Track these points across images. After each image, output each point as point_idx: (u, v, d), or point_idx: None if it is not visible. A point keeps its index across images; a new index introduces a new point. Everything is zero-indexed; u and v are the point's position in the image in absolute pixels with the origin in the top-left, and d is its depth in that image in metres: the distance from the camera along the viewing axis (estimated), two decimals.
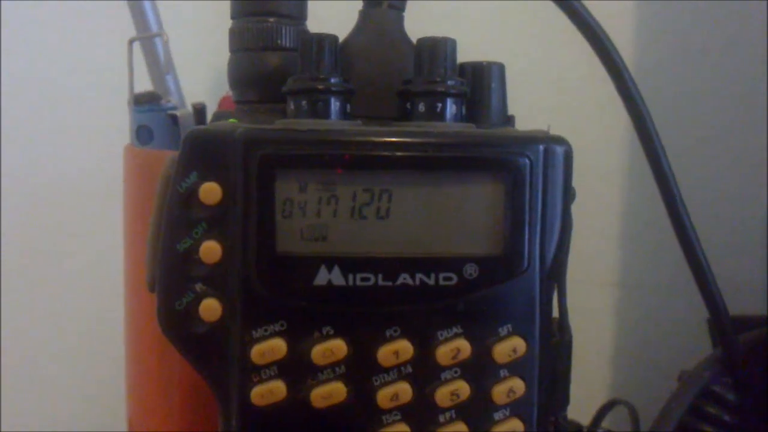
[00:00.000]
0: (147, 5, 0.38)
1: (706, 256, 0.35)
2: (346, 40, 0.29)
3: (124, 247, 0.36)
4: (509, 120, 0.29)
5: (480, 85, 0.28)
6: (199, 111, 0.38)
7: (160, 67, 0.37)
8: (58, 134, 0.54)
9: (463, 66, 0.29)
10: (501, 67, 0.29)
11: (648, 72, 0.57)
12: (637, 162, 0.58)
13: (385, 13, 0.29)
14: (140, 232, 0.31)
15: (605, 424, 0.44)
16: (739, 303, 0.54)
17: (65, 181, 0.55)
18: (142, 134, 0.35)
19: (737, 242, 0.58)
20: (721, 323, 0.35)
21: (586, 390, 0.54)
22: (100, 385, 0.55)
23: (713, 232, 0.58)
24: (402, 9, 0.29)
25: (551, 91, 0.54)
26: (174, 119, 0.34)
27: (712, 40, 0.59)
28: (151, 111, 0.35)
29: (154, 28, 0.37)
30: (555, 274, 0.27)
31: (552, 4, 0.32)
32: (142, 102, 0.36)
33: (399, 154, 0.25)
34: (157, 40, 0.37)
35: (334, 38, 0.27)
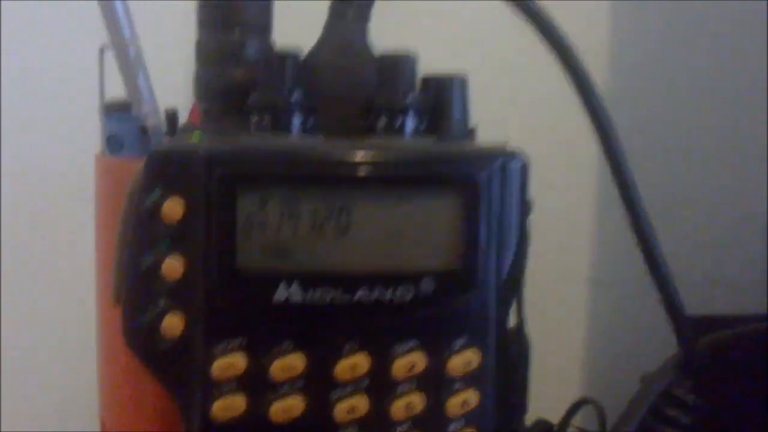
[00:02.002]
0: (120, 10, 0.38)
1: (663, 255, 0.36)
2: (311, 53, 0.29)
3: (96, 256, 0.36)
4: (471, 132, 0.30)
5: (442, 98, 0.29)
6: (171, 116, 0.39)
7: (132, 74, 0.37)
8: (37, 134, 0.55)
9: (426, 79, 0.29)
10: (463, 81, 0.29)
11: (648, 72, 0.58)
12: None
13: (349, 25, 0.29)
14: (110, 242, 0.31)
15: (577, 421, 0.45)
16: (739, 301, 0.55)
17: (53, 182, 0.55)
18: (112, 143, 0.35)
19: (737, 240, 0.59)
20: (679, 325, 0.36)
21: (558, 387, 0.55)
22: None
23: (713, 230, 0.59)
24: (367, 20, 0.30)
25: (519, 95, 0.55)
26: (144, 131, 0.35)
27: (712, 40, 0.59)
28: (121, 120, 0.35)
29: (127, 35, 0.37)
30: (512, 285, 0.28)
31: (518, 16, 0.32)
32: (112, 111, 0.36)
33: (358, 171, 0.25)
34: (130, 48, 0.37)
35: (296, 55, 0.27)
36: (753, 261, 0.58)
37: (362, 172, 0.25)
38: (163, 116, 0.38)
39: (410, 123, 0.27)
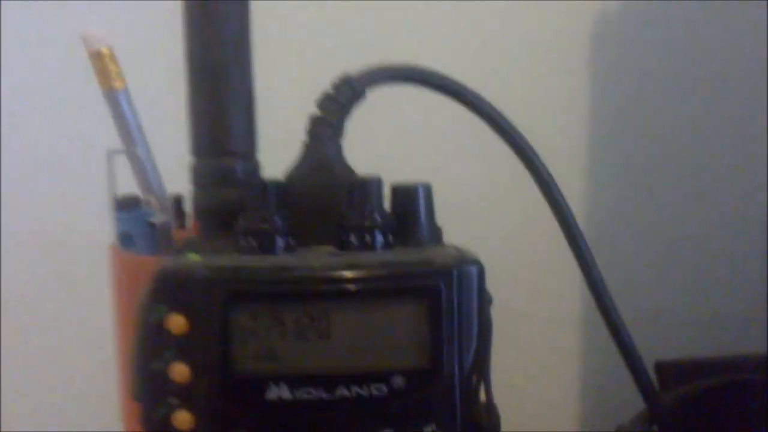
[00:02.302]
0: (128, 114, 0.43)
1: (623, 321, 0.40)
2: (291, 171, 0.34)
3: (116, 334, 0.41)
4: (437, 231, 0.34)
5: (409, 205, 0.33)
6: (177, 202, 0.43)
7: (141, 174, 0.41)
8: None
9: (395, 188, 0.33)
10: (427, 187, 0.34)
11: (648, 74, 0.61)
12: (602, 203, 0.62)
13: (324, 146, 0.33)
14: (127, 331, 0.36)
15: None
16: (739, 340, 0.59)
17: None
18: (124, 240, 0.39)
19: (736, 279, 0.62)
20: (641, 381, 0.39)
21: (551, 426, 0.59)
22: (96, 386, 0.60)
23: (711, 269, 0.62)
24: (339, 137, 0.34)
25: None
26: (153, 226, 0.39)
27: (712, 40, 0.62)
28: (131, 219, 0.40)
29: (137, 137, 0.42)
30: (477, 369, 0.32)
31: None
32: (123, 208, 0.40)
33: (333, 286, 0.30)
34: (140, 150, 0.42)
35: (278, 183, 0.31)
36: (752, 300, 0.61)
37: (337, 286, 0.30)
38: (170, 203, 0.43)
39: (379, 238, 0.31)
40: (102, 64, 0.43)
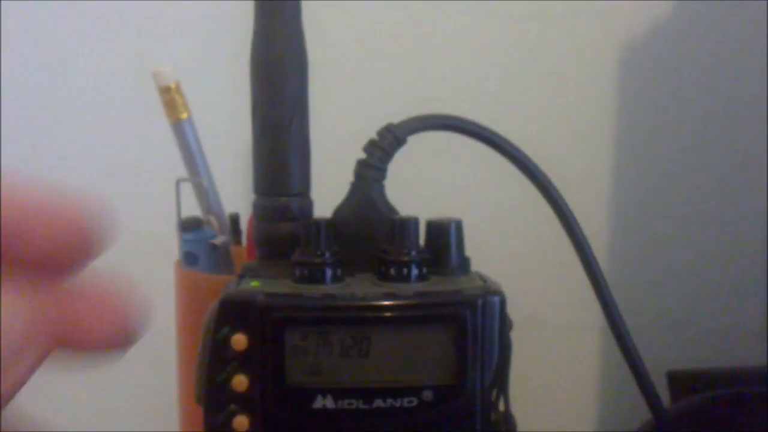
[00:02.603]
0: (194, 144, 0.48)
1: (628, 331, 0.44)
2: (339, 207, 0.38)
3: (178, 341, 0.46)
4: (466, 262, 0.39)
5: (442, 239, 0.38)
6: (234, 221, 0.48)
7: (204, 201, 0.47)
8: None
9: (430, 223, 0.38)
10: (458, 223, 0.38)
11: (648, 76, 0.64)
12: (622, 217, 0.67)
13: (369, 186, 0.38)
14: (188, 340, 0.41)
15: None
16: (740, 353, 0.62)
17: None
18: (188, 259, 0.45)
19: (737, 293, 0.66)
20: (646, 391, 0.44)
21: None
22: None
23: (713, 282, 0.66)
24: (383, 178, 0.39)
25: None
26: (214, 247, 0.44)
27: (738, 68, 0.66)
28: (194, 238, 0.45)
29: (201, 168, 0.47)
30: (497, 384, 0.37)
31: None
32: (187, 229, 0.46)
33: (374, 312, 0.35)
34: (204, 177, 0.47)
35: (328, 221, 0.36)
36: (753, 312, 0.65)
37: (376, 313, 0.35)
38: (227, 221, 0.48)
39: (414, 271, 0.36)
40: (170, 98, 0.49)
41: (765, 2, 0.65)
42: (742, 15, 0.66)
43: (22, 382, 0.20)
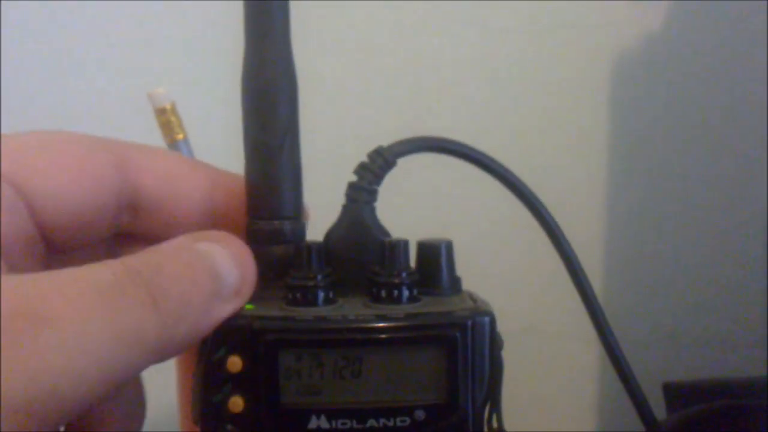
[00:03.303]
0: None
1: (618, 344, 0.45)
2: (331, 229, 0.39)
3: (176, 366, 0.47)
4: (457, 281, 0.39)
5: (433, 260, 0.39)
6: None
7: None
8: None
9: (420, 244, 0.39)
10: (449, 244, 0.39)
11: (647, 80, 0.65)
12: (617, 227, 0.67)
13: (360, 208, 0.39)
14: (187, 360, 0.42)
15: None
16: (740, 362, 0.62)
17: None
18: None
19: (736, 301, 0.66)
20: (638, 403, 0.44)
21: None
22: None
23: (712, 291, 0.66)
24: (374, 200, 0.40)
25: None
26: None
27: (705, 52, 0.67)
28: None
29: None
30: (489, 399, 0.37)
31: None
32: None
33: (365, 334, 0.35)
34: None
35: (319, 244, 0.37)
36: (751, 323, 0.65)
37: (368, 335, 0.35)
38: None
39: (405, 293, 0.36)
40: (165, 119, 0.49)
41: (762, 12, 0.66)
42: (736, 25, 0.67)
43: None
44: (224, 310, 0.34)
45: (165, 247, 0.33)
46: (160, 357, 0.31)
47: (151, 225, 0.37)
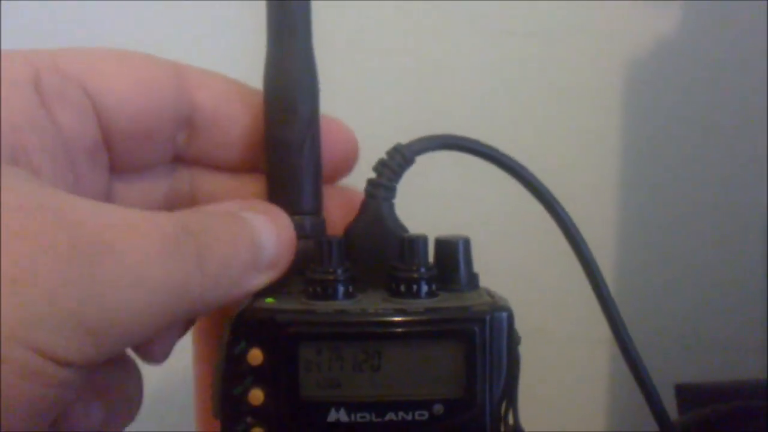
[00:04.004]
0: None
1: (633, 343, 0.45)
2: (350, 226, 0.40)
3: (194, 355, 0.47)
4: (474, 278, 0.40)
5: (450, 256, 0.39)
6: None
7: None
8: None
9: (438, 240, 0.39)
10: (466, 240, 0.39)
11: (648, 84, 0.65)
12: (629, 230, 0.67)
13: (379, 205, 0.40)
14: (205, 352, 0.42)
15: None
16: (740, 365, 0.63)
17: None
18: None
19: (736, 304, 0.66)
20: (653, 403, 0.44)
21: None
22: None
23: (712, 294, 0.66)
24: (392, 197, 0.40)
25: None
26: None
27: (724, 46, 0.67)
28: None
29: None
30: (506, 395, 0.38)
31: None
32: None
33: (384, 327, 0.36)
34: None
35: (339, 239, 0.37)
36: (753, 324, 0.65)
37: (387, 328, 0.36)
38: None
39: (424, 287, 0.37)
40: None
41: None
42: (748, 30, 0.67)
43: None
44: (258, 280, 0.35)
45: (214, 209, 0.35)
46: (193, 314, 0.32)
47: (204, 147, 0.38)
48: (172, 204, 0.39)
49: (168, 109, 0.36)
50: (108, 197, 0.36)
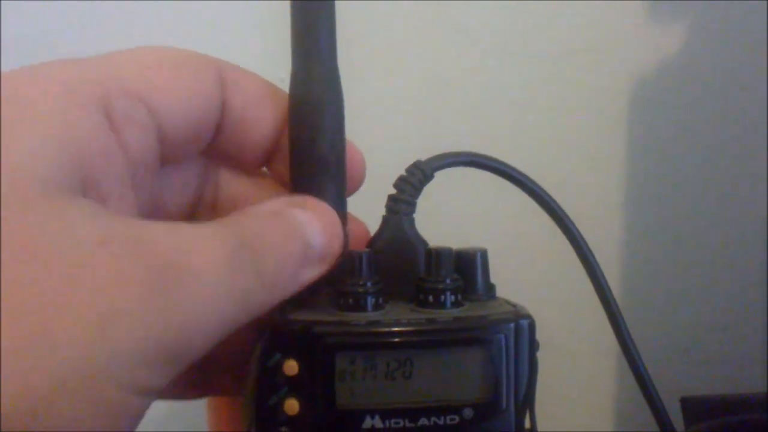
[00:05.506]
0: None
1: (640, 356, 0.47)
2: (373, 240, 0.41)
3: None
4: (491, 288, 0.42)
5: (469, 267, 0.41)
6: None
7: None
8: None
9: (457, 253, 0.41)
10: (484, 252, 0.41)
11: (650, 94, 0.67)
12: (634, 245, 0.70)
13: (401, 219, 0.41)
14: None
15: None
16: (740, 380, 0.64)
17: None
18: None
19: (737, 319, 0.68)
20: (660, 419, 0.46)
21: None
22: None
23: (713, 309, 0.68)
24: (412, 212, 0.42)
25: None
26: None
27: (728, 64, 0.69)
28: None
29: None
30: (527, 401, 0.39)
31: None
32: None
33: (415, 337, 0.37)
34: None
35: (368, 253, 0.39)
36: (753, 339, 0.67)
37: (418, 337, 0.37)
38: None
39: (450, 297, 0.38)
40: None
41: None
42: (753, 48, 0.69)
43: None
44: (310, 274, 0.35)
45: (262, 210, 0.35)
46: (251, 317, 0.33)
47: (226, 146, 0.39)
48: (202, 198, 0.40)
49: (213, 115, 0.36)
50: (152, 197, 0.37)
